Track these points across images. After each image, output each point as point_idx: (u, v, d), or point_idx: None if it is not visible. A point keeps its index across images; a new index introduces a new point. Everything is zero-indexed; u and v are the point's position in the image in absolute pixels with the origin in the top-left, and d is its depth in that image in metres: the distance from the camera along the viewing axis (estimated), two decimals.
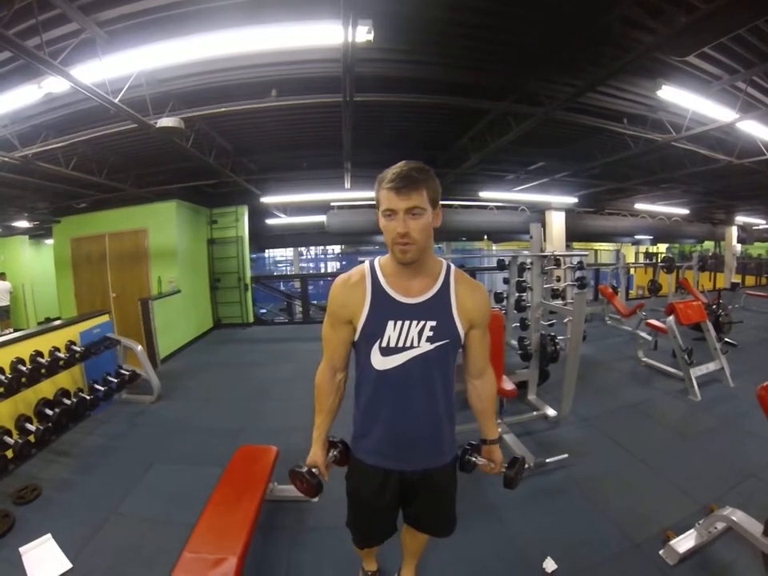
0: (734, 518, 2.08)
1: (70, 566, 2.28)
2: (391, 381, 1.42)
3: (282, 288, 11.09)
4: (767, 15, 2.92)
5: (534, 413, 3.95)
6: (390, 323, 1.37)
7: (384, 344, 1.39)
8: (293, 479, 1.52)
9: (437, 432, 1.51)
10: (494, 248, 17.18)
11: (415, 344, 1.38)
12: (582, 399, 4.11)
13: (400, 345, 1.38)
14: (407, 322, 1.37)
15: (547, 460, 3.09)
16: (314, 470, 1.50)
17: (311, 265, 22.63)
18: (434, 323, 1.38)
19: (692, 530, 2.28)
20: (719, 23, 2.94)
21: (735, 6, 2.69)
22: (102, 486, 3.08)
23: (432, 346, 1.39)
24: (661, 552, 2.23)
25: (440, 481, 1.58)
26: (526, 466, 1.62)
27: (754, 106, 4.73)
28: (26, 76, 3.41)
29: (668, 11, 3.04)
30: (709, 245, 18.55)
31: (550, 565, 2.18)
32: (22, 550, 2.38)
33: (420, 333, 1.38)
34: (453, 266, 1.48)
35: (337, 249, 21.11)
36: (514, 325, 4.18)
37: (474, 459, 1.61)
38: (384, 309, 1.39)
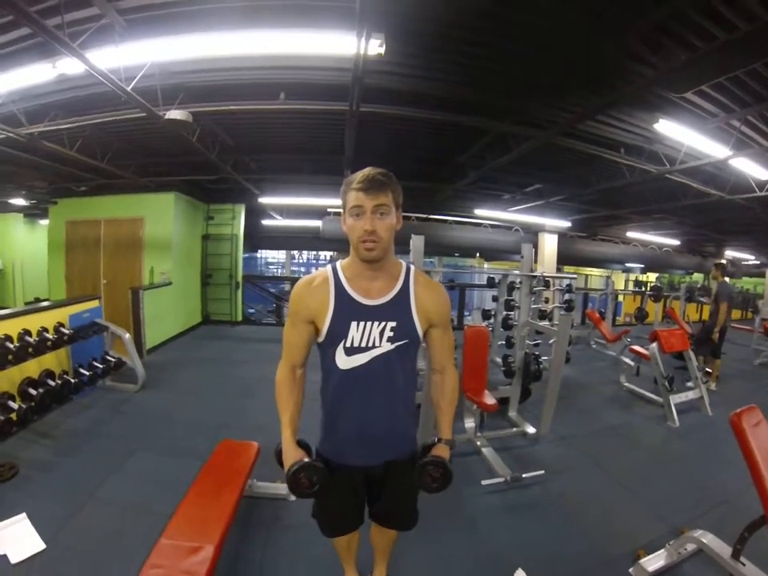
0: (704, 540, 2.14)
1: (43, 546, 2.26)
2: (355, 379, 1.48)
3: (273, 290, 11.01)
4: (763, 60, 3.05)
5: (514, 429, 3.99)
6: (353, 324, 1.43)
7: (348, 344, 1.44)
8: (296, 478, 1.40)
9: (398, 426, 1.59)
10: (485, 265, 17.29)
11: (377, 344, 1.44)
12: (562, 419, 4.17)
13: (363, 345, 1.44)
14: (369, 323, 1.43)
15: (524, 475, 3.11)
16: (305, 459, 1.43)
17: (302, 269, 22.55)
18: (394, 324, 1.44)
19: (662, 550, 2.32)
20: (717, 63, 3.06)
21: (732, 49, 2.80)
22: (81, 469, 3.06)
23: (393, 346, 1.45)
24: (630, 570, 2.26)
25: (401, 473, 1.62)
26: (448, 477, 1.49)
27: (747, 144, 4.89)
28: (41, 54, 3.43)
29: (668, 47, 3.15)
30: (698, 277, 18.82)
31: None
32: None
33: (381, 333, 1.44)
34: (412, 267, 1.54)
35: (329, 255, 21.05)
36: (499, 342, 4.24)
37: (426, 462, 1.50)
38: (347, 310, 1.44)
